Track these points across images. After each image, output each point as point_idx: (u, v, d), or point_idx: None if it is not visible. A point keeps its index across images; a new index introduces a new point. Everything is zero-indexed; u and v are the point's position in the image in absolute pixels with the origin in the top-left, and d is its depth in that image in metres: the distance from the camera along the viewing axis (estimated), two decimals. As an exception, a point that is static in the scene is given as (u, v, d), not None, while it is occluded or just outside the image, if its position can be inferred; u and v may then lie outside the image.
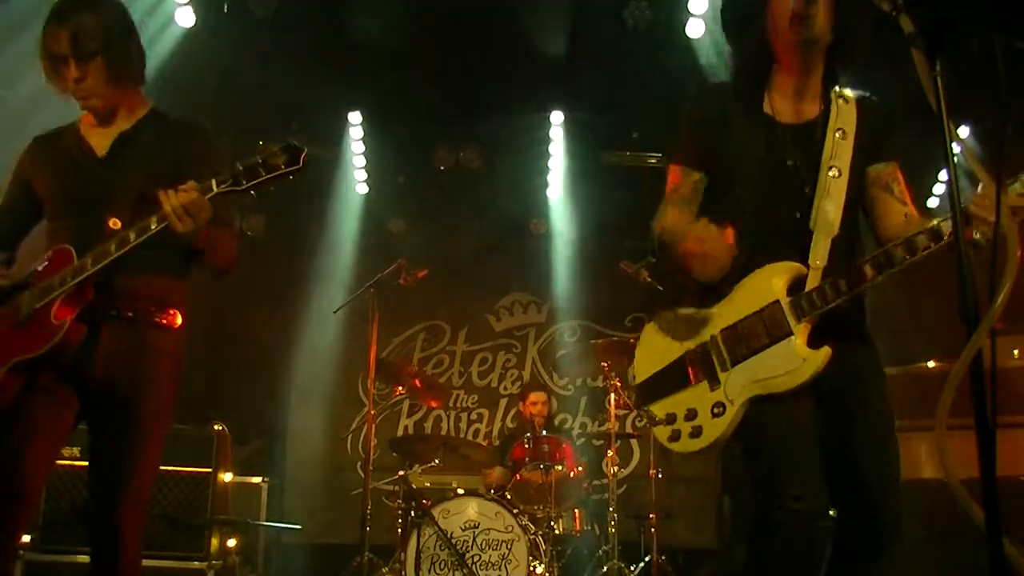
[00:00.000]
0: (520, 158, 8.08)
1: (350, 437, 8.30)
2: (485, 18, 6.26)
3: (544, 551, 5.25)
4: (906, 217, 2.59)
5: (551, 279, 8.78)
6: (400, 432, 8.29)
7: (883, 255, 2.37)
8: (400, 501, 5.52)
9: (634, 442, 8.11)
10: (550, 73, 6.73)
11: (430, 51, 6.51)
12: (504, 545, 5.14)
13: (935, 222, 2.30)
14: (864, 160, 2.62)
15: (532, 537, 5.20)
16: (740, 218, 2.55)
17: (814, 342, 2.42)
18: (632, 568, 5.85)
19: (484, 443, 7.34)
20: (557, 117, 7.65)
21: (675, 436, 2.57)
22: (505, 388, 8.66)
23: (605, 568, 5.71)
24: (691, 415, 2.54)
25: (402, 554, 5.10)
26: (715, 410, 2.50)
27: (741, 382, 2.48)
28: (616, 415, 6.24)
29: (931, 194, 7.88)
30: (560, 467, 5.83)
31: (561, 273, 8.72)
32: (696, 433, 2.53)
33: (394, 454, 5.85)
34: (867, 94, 2.71)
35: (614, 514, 5.81)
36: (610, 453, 6.01)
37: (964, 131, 6.26)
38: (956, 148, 2.11)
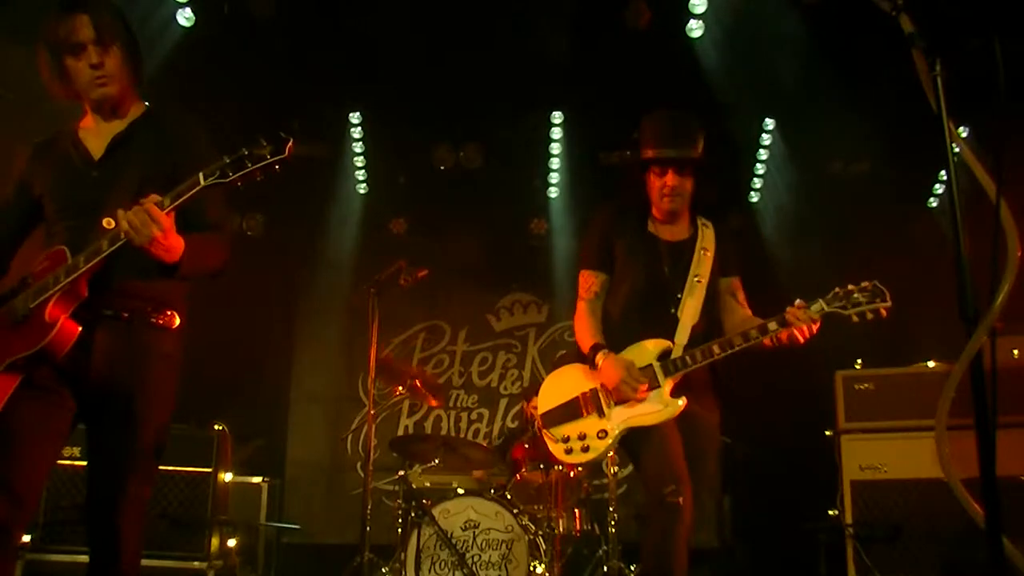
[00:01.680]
0: (520, 158, 8.08)
1: (350, 437, 8.31)
2: (485, 17, 6.26)
3: (544, 551, 5.25)
4: (743, 318, 3.70)
5: (551, 279, 8.78)
6: (400, 432, 8.29)
7: (727, 340, 3.48)
8: (400, 501, 5.51)
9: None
10: (551, 73, 6.73)
11: (430, 50, 6.51)
12: (504, 545, 5.14)
13: (763, 322, 3.46)
14: (719, 272, 3.74)
15: (532, 537, 5.20)
16: (627, 306, 3.68)
17: (675, 394, 3.51)
18: (632, 568, 5.84)
19: (484, 443, 7.34)
20: (557, 117, 7.66)
21: (568, 451, 3.63)
22: (505, 388, 8.67)
23: (605, 568, 5.70)
24: (582, 436, 3.62)
25: (402, 554, 5.09)
26: (599, 434, 3.59)
27: (621, 417, 3.56)
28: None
29: (933, 194, 7.90)
30: (560, 467, 5.82)
31: (561, 273, 8.72)
32: (586, 449, 3.60)
33: (394, 454, 5.84)
34: (720, 222, 3.85)
35: (614, 514, 5.79)
36: (611, 453, 5.99)
37: (964, 132, 6.26)
38: (955, 148, 2.12)
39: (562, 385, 3.78)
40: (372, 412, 5.39)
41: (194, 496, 5.56)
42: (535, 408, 6.60)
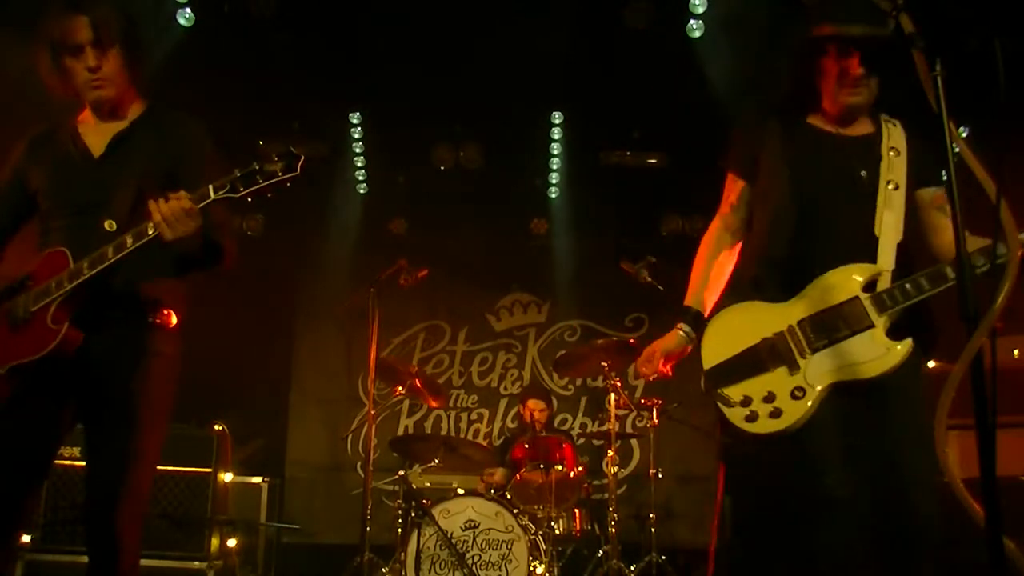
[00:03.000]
0: (520, 157, 8.08)
1: (350, 437, 8.30)
2: (485, 16, 6.26)
3: (544, 551, 5.24)
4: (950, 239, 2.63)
5: (551, 279, 8.79)
6: (400, 432, 8.29)
7: (971, 261, 2.39)
8: (400, 501, 5.52)
9: (634, 442, 8.11)
10: (551, 72, 6.73)
11: (430, 50, 6.51)
12: (504, 545, 5.14)
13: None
14: (916, 180, 2.80)
15: (532, 537, 5.20)
16: (794, 223, 2.76)
17: (895, 336, 2.59)
18: (632, 568, 5.84)
19: (484, 443, 7.34)
20: (557, 116, 7.66)
21: (752, 417, 2.67)
22: (505, 388, 8.67)
23: (605, 568, 5.70)
24: (769, 398, 2.66)
25: (402, 554, 5.09)
26: (796, 393, 2.63)
27: (822, 368, 2.63)
28: (616, 415, 6.23)
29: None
30: (560, 467, 5.83)
31: (561, 273, 8.73)
32: (776, 414, 2.64)
33: (394, 454, 5.85)
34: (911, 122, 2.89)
35: (614, 514, 5.80)
36: (610, 453, 6.00)
37: (964, 132, 6.25)
38: (955, 148, 2.11)
39: (734, 329, 2.81)
40: (372, 412, 5.38)
41: (194, 496, 5.54)
42: (532, 412, 6.66)
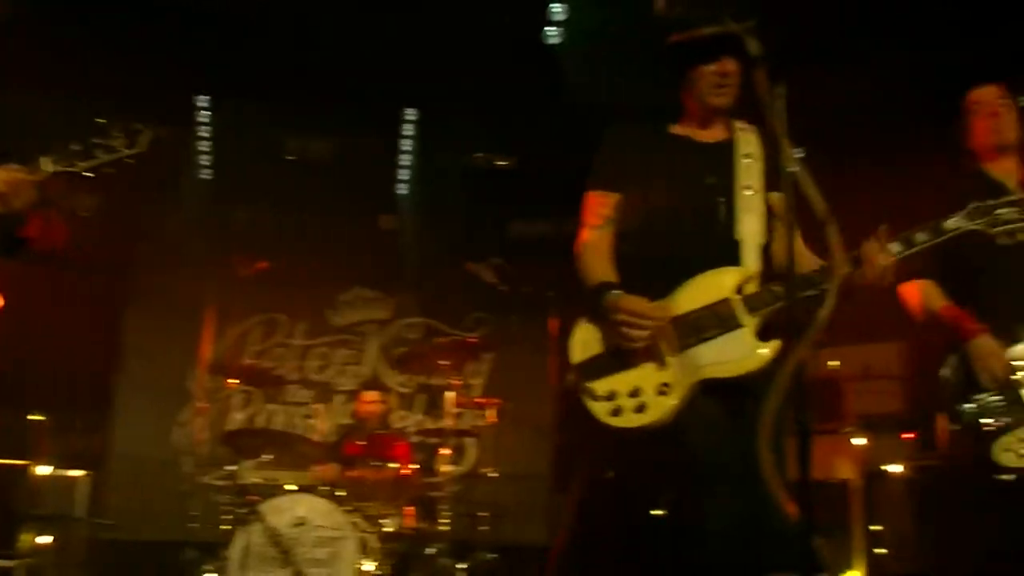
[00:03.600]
0: (372, 152, 8.01)
1: (179, 430, 8.03)
2: (345, 7, 6.17)
3: (375, 549, 5.22)
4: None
5: (396, 275, 8.74)
6: (231, 426, 8.07)
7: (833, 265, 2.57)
8: (228, 497, 5.39)
9: (469, 440, 8.16)
10: (409, 70, 6.70)
11: (285, 37, 6.37)
12: (334, 543, 5.08)
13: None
14: (769, 185, 2.86)
15: (363, 535, 5.16)
16: (664, 232, 2.82)
17: (764, 337, 2.66)
18: (463, 566, 5.88)
19: (318, 439, 7.23)
20: (411, 113, 7.64)
21: (617, 411, 2.68)
22: (342, 384, 8.57)
23: (436, 566, 5.72)
24: (635, 393, 2.67)
25: (228, 552, 4.97)
26: (662, 389, 2.67)
27: (689, 366, 2.67)
28: (453, 413, 6.27)
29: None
30: (394, 464, 5.81)
31: (406, 270, 8.69)
32: (641, 409, 2.66)
33: (224, 449, 5.70)
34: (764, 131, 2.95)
35: (446, 512, 5.82)
36: (445, 451, 6.03)
37: (799, 153, 6.56)
38: (792, 168, 2.23)
39: (595, 335, 2.82)
40: (202, 405, 5.23)
41: (6, 490, 5.27)
42: (368, 405, 6.61)
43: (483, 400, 6.59)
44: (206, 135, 7.78)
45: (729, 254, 2.77)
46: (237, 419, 8.25)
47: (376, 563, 5.18)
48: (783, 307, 2.60)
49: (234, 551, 4.93)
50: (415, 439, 7.12)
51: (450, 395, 6.21)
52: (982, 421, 3.08)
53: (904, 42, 5.82)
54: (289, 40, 6.44)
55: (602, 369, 2.74)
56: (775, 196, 2.84)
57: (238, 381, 5.81)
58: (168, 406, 8.15)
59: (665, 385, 2.67)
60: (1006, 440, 3.05)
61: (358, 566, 5.04)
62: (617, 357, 2.73)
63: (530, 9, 6.36)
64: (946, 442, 3.18)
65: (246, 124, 7.61)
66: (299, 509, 5.13)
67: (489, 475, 6.36)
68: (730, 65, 2.83)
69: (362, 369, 8.64)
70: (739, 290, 2.72)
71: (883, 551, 5.40)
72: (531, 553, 7.29)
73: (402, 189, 8.47)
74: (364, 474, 5.76)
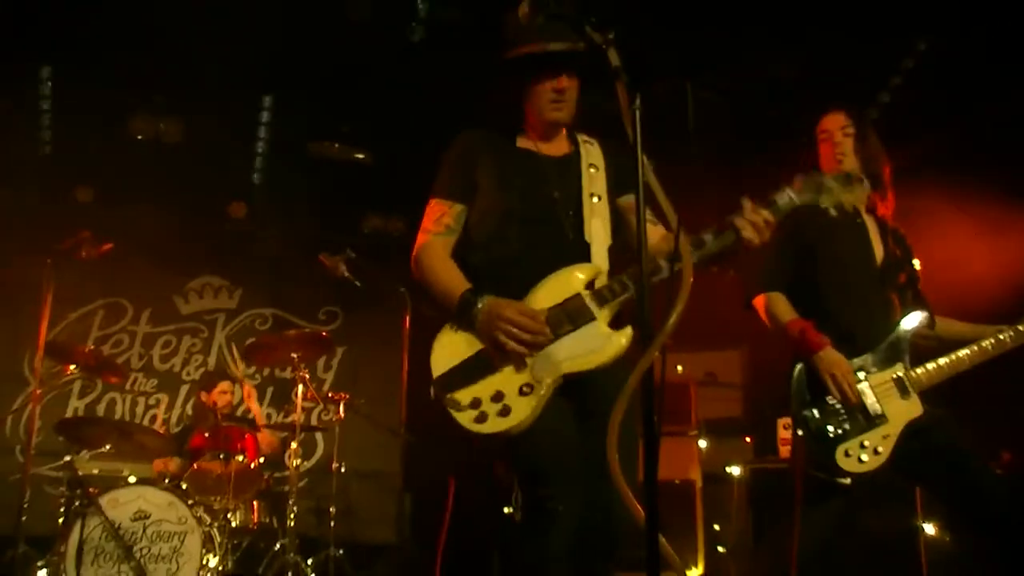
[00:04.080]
0: (225, 137, 7.79)
1: (10, 418, 7.61)
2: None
3: (219, 544, 5.10)
4: (660, 235, 2.93)
5: (245, 265, 8.55)
6: (69, 414, 7.71)
7: (672, 253, 2.60)
8: (63, 489, 5.16)
9: (319, 435, 8.06)
10: (265, 55, 6.55)
11: (141, 12, 6.11)
12: (176, 537, 4.94)
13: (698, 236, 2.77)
14: (616, 190, 3.02)
15: (207, 529, 5.04)
16: (515, 239, 2.90)
17: (616, 327, 2.74)
18: (310, 562, 5.82)
19: (161, 430, 7.00)
20: (268, 100, 7.48)
21: (482, 418, 2.68)
22: (188, 374, 8.30)
23: (282, 562, 5.64)
24: (498, 397, 2.69)
25: (62, 546, 4.76)
26: (524, 389, 2.69)
27: (549, 363, 2.70)
28: (303, 407, 6.19)
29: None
30: (241, 457, 5.70)
31: (256, 260, 8.51)
32: (505, 412, 2.67)
33: (60, 438, 5.44)
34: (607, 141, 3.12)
35: (294, 507, 5.75)
36: (293, 445, 5.95)
37: (653, 163, 6.76)
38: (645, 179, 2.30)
39: (462, 336, 2.83)
40: (38, 392, 4.99)
41: None
42: (221, 395, 6.45)
43: (333, 395, 6.53)
44: (47, 108, 7.38)
45: (580, 256, 2.87)
46: (75, 407, 7.90)
47: (220, 558, 5.07)
48: (631, 297, 2.73)
49: (70, 546, 4.73)
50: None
51: (299, 389, 6.14)
52: (825, 427, 3.27)
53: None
54: (143, 14, 6.18)
55: (464, 378, 2.76)
56: (623, 200, 3.03)
57: (77, 367, 5.56)
58: (0, 392, 7.72)
59: (527, 385, 2.69)
60: (847, 445, 3.24)
61: (203, 561, 4.92)
62: (478, 363, 2.76)
63: (396, 4, 6.31)
64: (788, 446, 3.36)
65: (92, 99, 7.28)
66: (140, 502, 4.97)
67: (338, 471, 6.31)
68: (567, 81, 2.95)
69: (209, 359, 8.40)
70: (589, 285, 2.80)
71: (723, 549, 5.66)
72: (379, 551, 7.30)
73: (256, 177, 8.28)
74: (209, 467, 5.62)
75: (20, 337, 7.50)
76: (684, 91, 2.66)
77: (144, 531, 4.91)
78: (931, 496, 4.08)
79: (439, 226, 2.99)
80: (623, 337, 2.71)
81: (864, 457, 3.23)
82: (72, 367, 5.55)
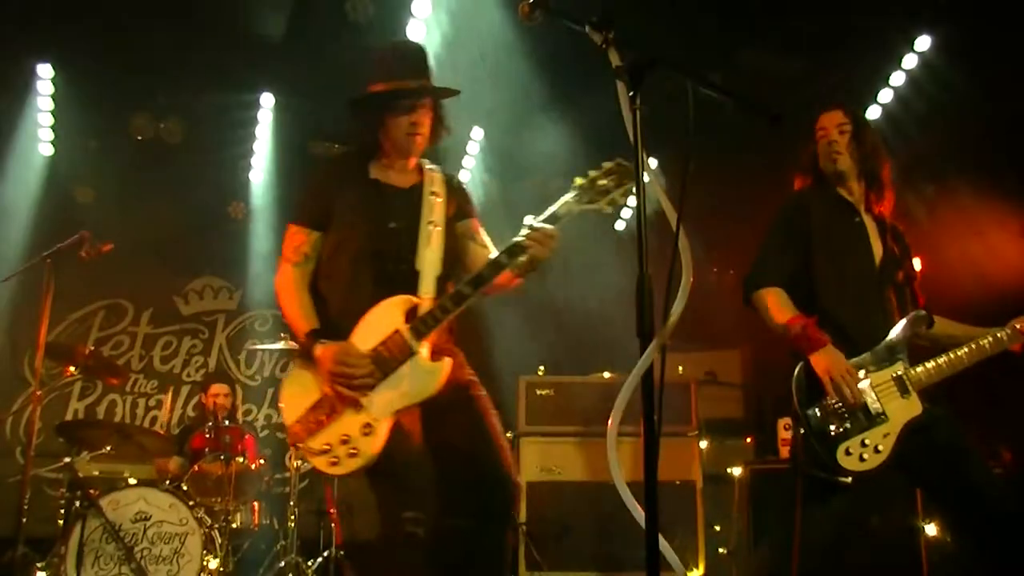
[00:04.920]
0: (225, 137, 7.79)
1: (11, 419, 7.61)
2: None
3: (220, 545, 5.10)
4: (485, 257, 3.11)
5: (246, 265, 8.52)
6: (69, 416, 7.71)
7: (476, 277, 2.95)
8: (64, 490, 5.15)
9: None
10: (264, 54, 6.55)
11: (142, 12, 6.11)
12: (177, 539, 4.94)
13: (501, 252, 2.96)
14: (455, 217, 3.26)
15: (207, 530, 5.04)
16: (355, 269, 3.06)
17: (436, 358, 2.95)
18: (310, 563, 5.80)
19: (162, 431, 7.00)
20: (268, 100, 7.47)
21: (335, 462, 2.90)
22: (188, 375, 8.30)
23: (283, 563, 5.63)
24: (345, 440, 2.89)
25: (62, 548, 4.75)
26: (364, 430, 2.88)
27: (383, 401, 2.90)
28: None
29: (620, 218, 8.46)
30: (241, 459, 5.69)
31: (257, 260, 8.48)
32: (354, 454, 2.88)
33: (61, 439, 5.44)
34: (447, 171, 3.38)
35: (295, 508, 5.74)
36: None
37: (653, 162, 6.76)
38: (645, 177, 2.29)
39: (307, 382, 3.03)
40: (38, 393, 4.98)
41: None
42: (215, 397, 6.43)
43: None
44: (48, 107, 7.37)
45: (408, 287, 3.03)
46: (75, 408, 7.90)
47: (221, 559, 5.06)
48: (451, 318, 2.97)
49: (70, 547, 4.73)
50: (263, 433, 6.99)
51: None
52: (827, 426, 3.25)
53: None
54: (143, 13, 6.18)
55: (315, 423, 2.96)
56: (462, 225, 3.26)
57: (77, 368, 5.55)
58: (0, 393, 7.72)
59: (367, 426, 2.88)
60: (848, 444, 3.23)
61: (203, 563, 4.92)
62: (323, 407, 2.96)
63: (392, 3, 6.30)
64: (788, 446, 3.34)
65: (93, 97, 7.27)
66: (141, 503, 4.97)
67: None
68: (423, 116, 3.18)
69: (209, 360, 8.40)
70: (410, 317, 2.97)
71: (723, 550, 5.64)
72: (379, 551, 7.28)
73: (255, 177, 8.26)
74: (210, 468, 5.61)
75: (20, 338, 7.51)
76: (685, 91, 2.65)
77: (145, 532, 4.91)
78: (929, 495, 4.06)
79: (297, 255, 3.15)
80: (444, 366, 2.93)
81: (865, 455, 3.22)
82: (72, 368, 5.54)
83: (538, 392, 5.84)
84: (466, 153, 7.99)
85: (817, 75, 6.12)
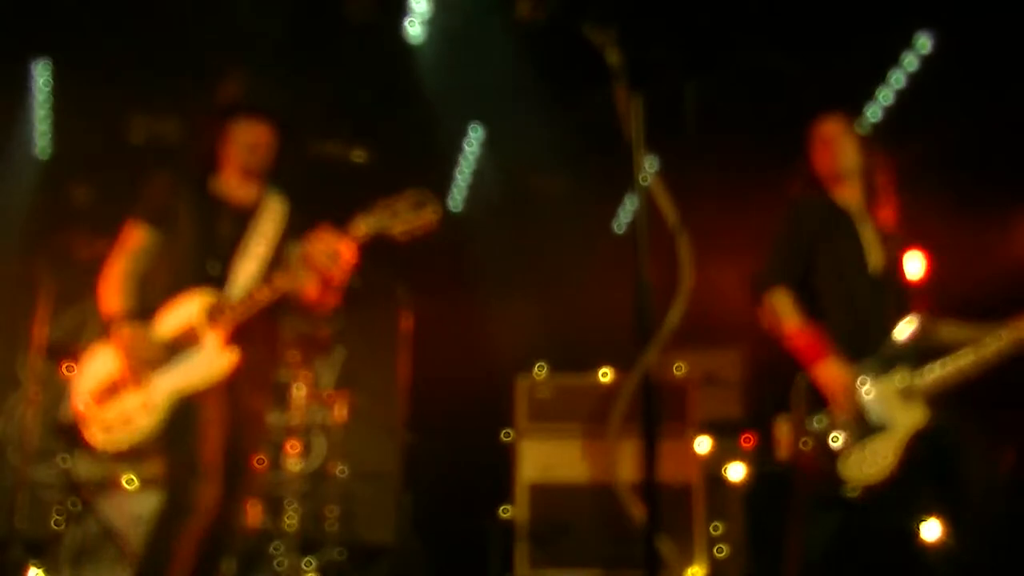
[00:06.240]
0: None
1: (4, 420, 7.58)
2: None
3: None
4: None
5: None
6: (65, 417, 7.67)
7: (270, 279, 3.21)
8: (59, 492, 5.13)
9: (318, 436, 8.01)
10: (263, 54, 6.52)
11: (141, 12, 6.09)
12: (174, 540, 4.91)
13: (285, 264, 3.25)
14: (288, 237, 3.46)
15: (205, 531, 5.00)
16: (178, 270, 3.33)
17: (229, 348, 3.18)
18: (309, 563, 5.78)
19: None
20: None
21: (109, 433, 3.24)
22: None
23: (281, 563, 5.60)
24: (126, 419, 3.19)
25: (57, 550, 4.73)
26: (143, 409, 3.17)
27: (164, 385, 3.15)
28: (302, 408, 6.15)
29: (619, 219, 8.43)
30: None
31: (259, 259, 8.43)
32: (128, 430, 3.20)
33: (57, 440, 5.42)
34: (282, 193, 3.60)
35: (294, 508, 5.71)
36: (292, 447, 5.91)
37: (653, 163, 6.72)
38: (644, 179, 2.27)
39: (105, 361, 3.33)
40: (33, 392, 4.96)
41: None
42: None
43: (333, 394, 6.49)
44: (46, 108, 7.34)
45: (220, 287, 3.27)
46: (71, 409, 7.85)
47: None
48: (246, 316, 3.17)
49: (65, 549, 4.70)
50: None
51: (298, 389, 6.10)
52: (830, 438, 3.22)
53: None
54: (143, 13, 6.16)
55: (101, 400, 3.28)
56: (295, 248, 3.38)
57: (74, 368, 5.52)
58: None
59: (146, 405, 3.16)
60: (853, 455, 3.20)
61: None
62: (110, 388, 3.26)
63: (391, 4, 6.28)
64: (790, 451, 3.32)
65: (91, 97, 7.24)
66: (136, 505, 4.95)
67: (338, 472, 6.28)
68: (262, 134, 3.43)
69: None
70: (209, 311, 3.20)
71: (722, 550, 5.62)
72: (379, 551, 7.26)
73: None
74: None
75: (16, 337, 7.47)
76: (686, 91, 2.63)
77: (141, 535, 4.88)
78: (935, 500, 4.04)
79: (126, 250, 3.48)
80: (227, 357, 3.16)
81: (870, 466, 3.19)
82: (68, 368, 5.52)
83: (537, 391, 5.82)
84: (465, 152, 7.96)
85: (817, 75, 6.09)
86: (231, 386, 3.21)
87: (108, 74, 6.86)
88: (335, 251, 3.15)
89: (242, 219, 3.43)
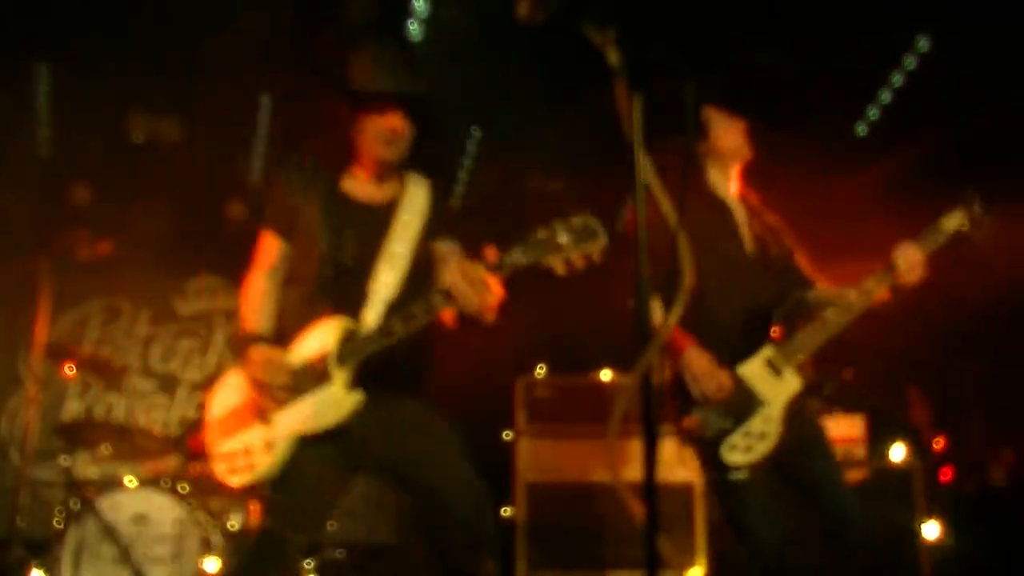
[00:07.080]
0: (224, 137, 7.78)
1: (4, 420, 7.60)
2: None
3: (218, 546, 5.08)
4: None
5: (244, 264, 8.46)
6: (66, 416, 7.69)
7: (407, 313, 2.80)
8: (60, 491, 5.14)
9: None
10: (263, 55, 6.53)
11: (140, 12, 6.10)
12: (175, 540, 4.92)
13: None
14: (428, 236, 3.12)
15: (205, 532, 5.02)
16: (310, 285, 3.00)
17: (356, 388, 2.84)
18: (309, 564, 5.79)
19: (161, 432, 6.98)
20: (265, 101, 7.47)
21: (233, 471, 2.95)
22: (187, 375, 8.29)
23: (282, 563, 5.60)
24: (248, 451, 2.91)
25: (58, 549, 4.74)
26: (265, 446, 2.89)
27: (288, 421, 2.86)
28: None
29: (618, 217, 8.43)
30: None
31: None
32: (249, 467, 2.90)
33: (57, 440, 5.43)
34: (434, 180, 3.25)
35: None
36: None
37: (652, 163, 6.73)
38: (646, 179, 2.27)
39: (234, 387, 3.06)
40: (34, 393, 4.97)
41: None
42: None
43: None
44: (45, 108, 7.36)
45: (355, 310, 2.93)
46: (73, 409, 7.88)
47: (220, 561, 5.04)
48: (379, 350, 2.81)
49: (66, 549, 4.71)
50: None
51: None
52: (706, 427, 3.20)
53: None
54: (143, 13, 6.17)
55: (226, 430, 3.01)
56: (439, 244, 3.12)
57: (75, 368, 5.53)
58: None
59: (269, 443, 2.88)
60: (732, 439, 3.17)
61: (201, 564, 4.90)
62: (236, 419, 2.99)
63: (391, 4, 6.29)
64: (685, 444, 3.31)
65: (90, 97, 7.26)
66: (138, 504, 4.96)
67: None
68: (397, 122, 3.02)
69: (208, 360, 8.37)
70: (343, 341, 2.87)
71: (721, 551, 5.62)
72: (378, 552, 7.27)
73: (255, 176, 8.25)
74: (209, 469, 5.59)
75: (16, 337, 7.48)
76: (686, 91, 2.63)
77: (143, 534, 4.89)
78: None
79: (265, 261, 3.14)
80: (352, 399, 2.81)
81: (751, 445, 3.16)
82: (69, 368, 5.53)
83: (537, 391, 5.83)
84: (465, 153, 7.97)
85: (817, 75, 6.10)
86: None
87: (108, 74, 6.87)
88: (483, 285, 2.74)
89: (379, 221, 3.07)
